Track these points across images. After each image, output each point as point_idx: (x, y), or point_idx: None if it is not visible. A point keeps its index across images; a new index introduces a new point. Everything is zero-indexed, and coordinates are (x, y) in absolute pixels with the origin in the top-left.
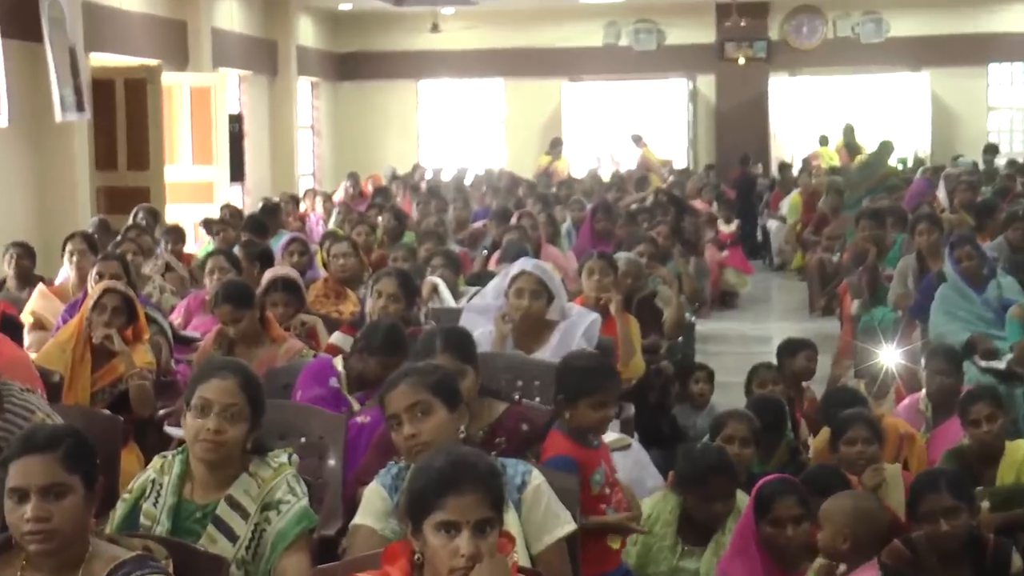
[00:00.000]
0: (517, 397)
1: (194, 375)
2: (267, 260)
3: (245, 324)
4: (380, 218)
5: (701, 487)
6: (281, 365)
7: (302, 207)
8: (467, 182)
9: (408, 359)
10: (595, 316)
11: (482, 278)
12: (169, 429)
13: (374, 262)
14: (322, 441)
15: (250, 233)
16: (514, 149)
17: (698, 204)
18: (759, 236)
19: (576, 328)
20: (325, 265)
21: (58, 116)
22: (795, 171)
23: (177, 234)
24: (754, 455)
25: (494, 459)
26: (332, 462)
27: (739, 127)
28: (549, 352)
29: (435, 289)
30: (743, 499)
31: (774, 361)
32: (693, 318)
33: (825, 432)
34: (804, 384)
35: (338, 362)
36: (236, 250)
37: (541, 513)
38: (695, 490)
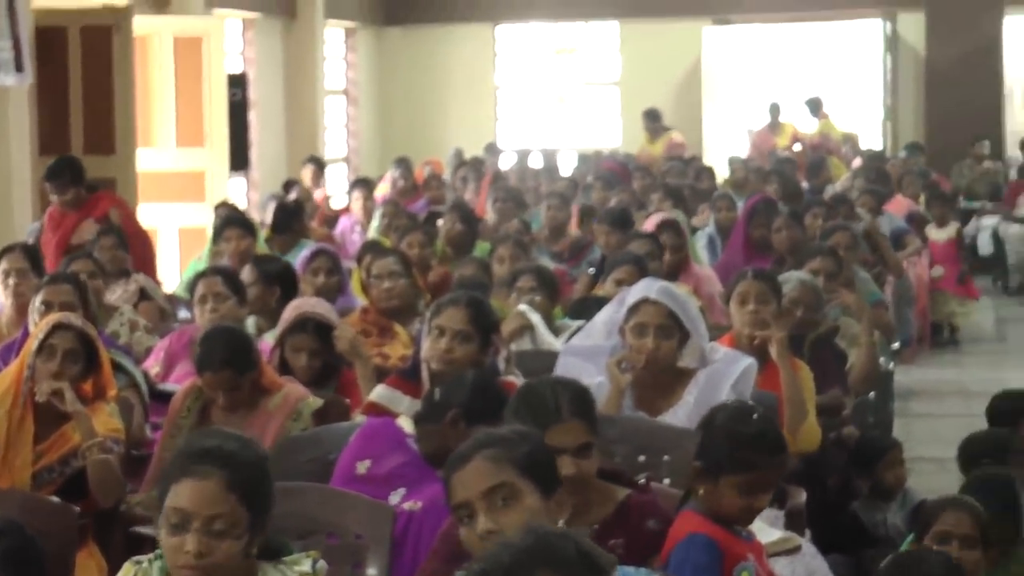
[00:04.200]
0: (643, 480)
1: (166, 467)
2: (289, 284)
3: (246, 389)
4: (441, 221)
5: None
6: (300, 432)
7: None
8: (565, 170)
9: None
10: (749, 362)
11: (587, 307)
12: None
13: (432, 284)
14: (360, 541)
15: (247, 239)
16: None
17: (899, 201)
18: (990, 246)
19: (722, 379)
20: (364, 289)
21: None
22: None
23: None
24: (981, 562)
25: (605, 553)
26: (373, 572)
27: (960, 88)
28: (684, 413)
29: (525, 323)
30: None
31: None
32: (892, 364)
33: None
34: None
35: (405, 422)
36: (247, 269)
37: None
38: None
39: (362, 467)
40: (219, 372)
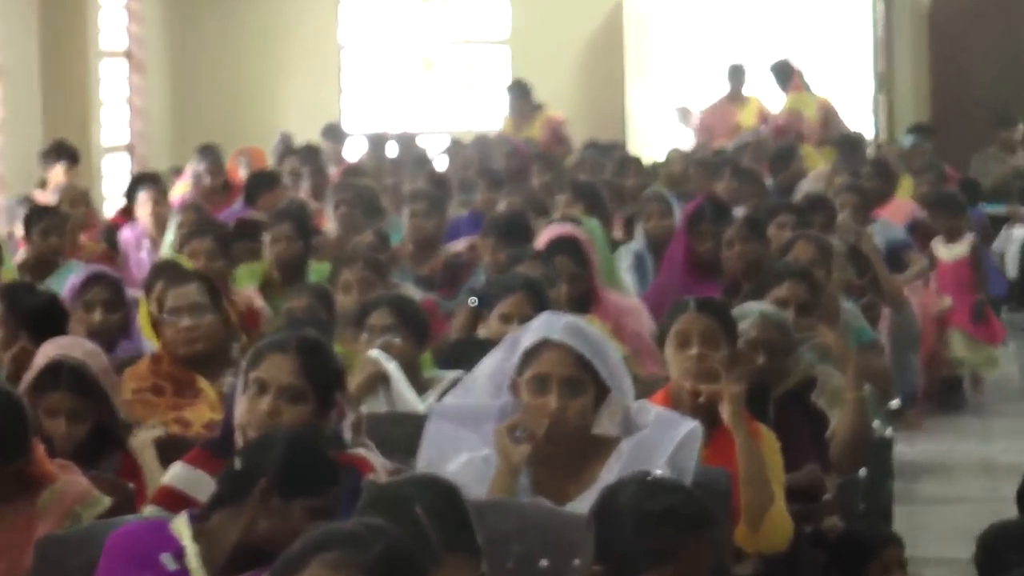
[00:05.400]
0: None
1: None
2: (54, 325)
3: (8, 481)
4: (268, 235)
5: None
6: (64, 529)
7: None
8: (439, 163)
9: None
10: (692, 427)
11: (467, 352)
12: None
13: (249, 320)
14: None
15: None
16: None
17: (898, 204)
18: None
19: (654, 451)
20: (155, 329)
21: None
22: None
23: None
24: None
25: None
26: None
27: (978, 49)
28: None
29: (379, 375)
30: None
31: None
32: (889, 430)
33: None
34: None
35: (180, 526)
36: None
37: None
38: None
39: None
40: None
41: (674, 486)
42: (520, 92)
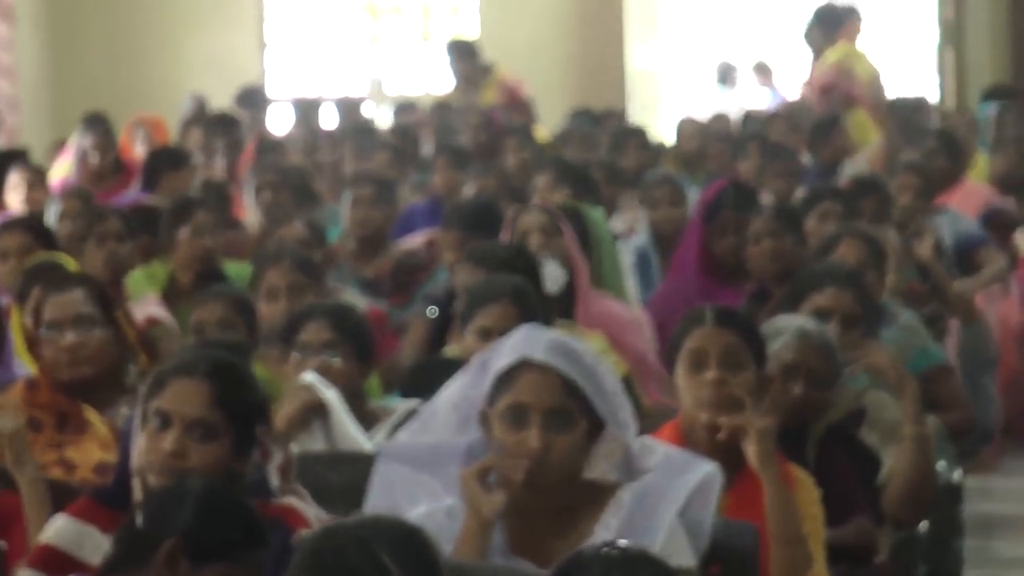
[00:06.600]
0: None
1: None
2: None
3: None
4: (180, 230)
5: None
6: None
7: None
8: (388, 136)
9: None
10: (708, 471)
11: (426, 376)
12: None
13: (145, 334)
14: None
15: None
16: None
17: (970, 189)
18: None
19: (661, 500)
20: (30, 347)
21: None
22: None
23: None
24: None
25: None
26: None
27: None
28: None
29: (312, 404)
30: None
31: None
32: (958, 474)
33: None
34: None
35: None
36: None
37: None
38: None
39: None
40: None
41: (648, 562)
42: (463, 52)
